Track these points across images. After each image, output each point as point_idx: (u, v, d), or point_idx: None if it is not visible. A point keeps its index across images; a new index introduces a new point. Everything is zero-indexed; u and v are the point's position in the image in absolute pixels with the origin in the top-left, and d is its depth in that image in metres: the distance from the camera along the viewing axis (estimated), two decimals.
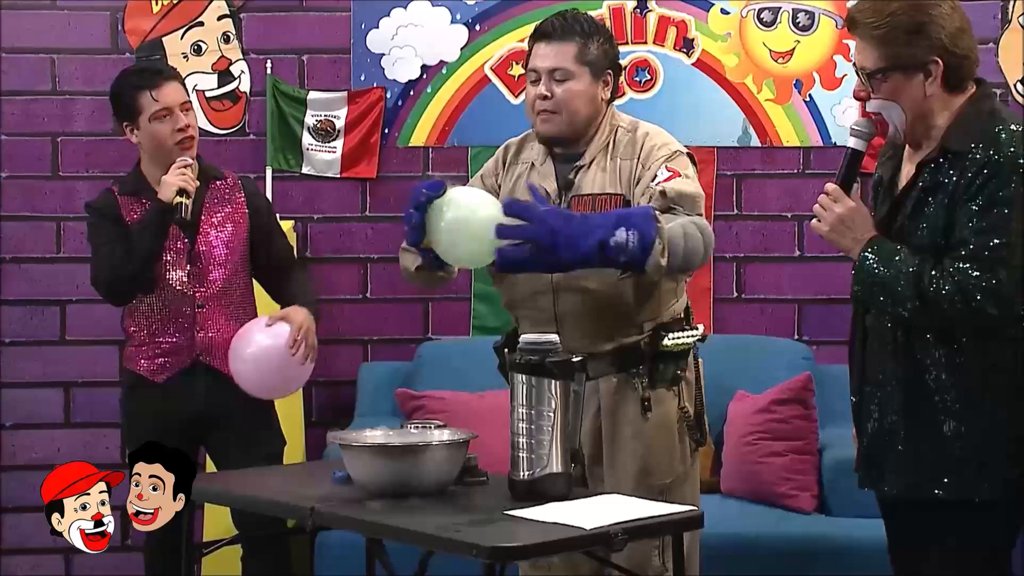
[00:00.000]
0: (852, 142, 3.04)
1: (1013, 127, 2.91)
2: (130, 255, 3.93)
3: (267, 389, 4.06)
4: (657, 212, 3.13)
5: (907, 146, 3.06)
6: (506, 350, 3.51)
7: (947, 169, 2.91)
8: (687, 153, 3.44)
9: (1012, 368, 2.92)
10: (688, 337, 3.43)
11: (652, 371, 3.40)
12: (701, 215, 3.29)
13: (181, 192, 3.91)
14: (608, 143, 3.44)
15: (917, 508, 2.98)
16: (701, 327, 3.48)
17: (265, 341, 3.98)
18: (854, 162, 3.03)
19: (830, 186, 3.01)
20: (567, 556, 3.28)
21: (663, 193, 3.26)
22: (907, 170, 3.04)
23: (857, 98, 3.05)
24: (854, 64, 3.03)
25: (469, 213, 3.07)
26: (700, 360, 3.56)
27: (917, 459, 2.95)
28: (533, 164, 3.51)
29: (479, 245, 3.07)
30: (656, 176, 3.31)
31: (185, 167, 3.95)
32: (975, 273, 2.83)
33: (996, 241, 2.83)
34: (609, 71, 3.46)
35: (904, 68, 2.93)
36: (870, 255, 2.94)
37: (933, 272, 2.86)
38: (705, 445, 3.55)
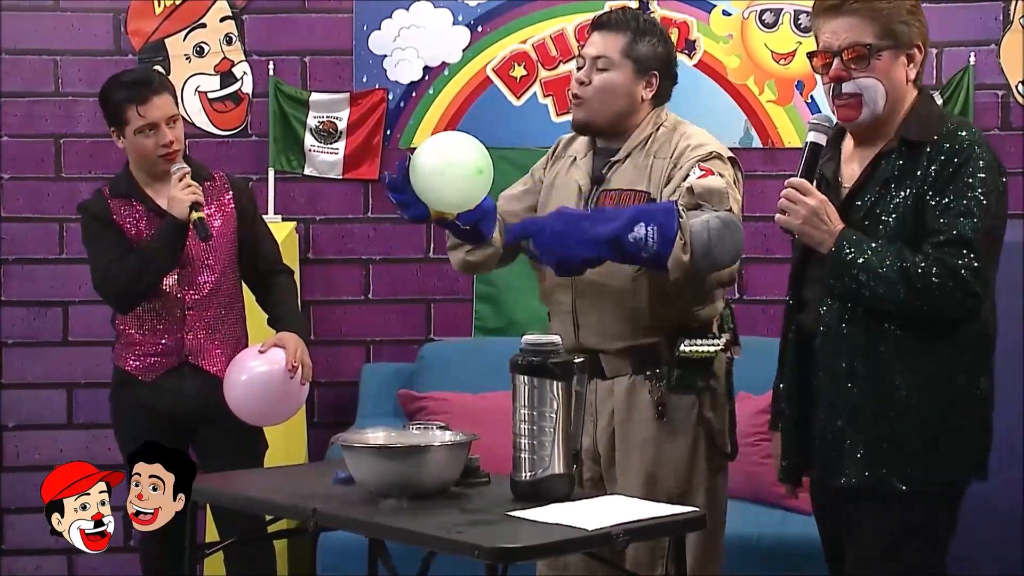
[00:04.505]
0: (811, 135, 3.06)
1: (965, 124, 3.04)
2: (144, 271, 3.95)
3: (267, 415, 4.05)
4: (681, 207, 3.11)
5: (850, 145, 3.10)
6: None
7: (909, 160, 2.97)
8: (730, 157, 3.40)
9: (967, 360, 2.98)
10: (709, 347, 3.36)
11: (670, 376, 3.35)
12: (730, 211, 3.21)
13: (195, 206, 3.91)
14: (647, 140, 3.41)
15: (869, 499, 3.01)
16: (725, 337, 3.40)
17: (261, 367, 3.97)
18: (814, 156, 3.05)
19: (796, 180, 3.02)
20: (583, 557, 3.27)
21: (690, 190, 3.21)
22: (851, 169, 3.08)
23: (834, 78, 3.04)
24: (828, 49, 3.03)
25: (441, 154, 3.17)
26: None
27: (877, 450, 2.98)
28: (575, 158, 3.50)
29: (467, 172, 3.18)
30: (688, 175, 3.26)
31: (185, 175, 3.96)
32: (961, 256, 2.88)
33: (976, 224, 2.89)
34: (655, 72, 3.42)
35: (897, 46, 3.00)
36: (847, 247, 2.96)
37: (917, 258, 2.90)
38: (733, 459, 3.49)
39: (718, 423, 3.43)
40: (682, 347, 3.33)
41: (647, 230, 3.02)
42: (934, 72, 5.36)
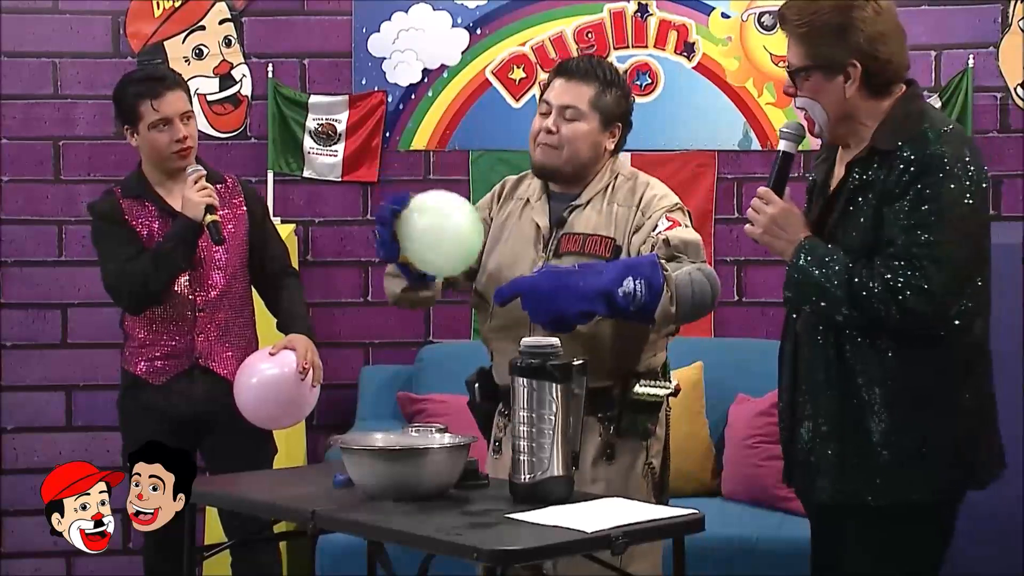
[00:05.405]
0: (783, 144, 3.05)
1: (941, 127, 2.91)
2: (157, 271, 3.94)
3: (277, 418, 4.04)
4: (662, 260, 3.14)
5: (840, 148, 3.06)
6: (476, 384, 3.50)
7: (876, 168, 2.91)
8: (685, 208, 3.45)
9: (942, 372, 2.90)
10: (660, 390, 3.38)
11: (620, 419, 3.36)
12: (705, 262, 3.29)
13: (209, 209, 3.91)
14: (607, 187, 3.43)
15: (848, 513, 2.98)
16: (675, 382, 3.43)
17: (271, 370, 3.95)
18: (785, 164, 3.04)
19: (762, 189, 3.01)
20: None
21: (667, 242, 3.26)
22: (838, 172, 3.04)
23: (785, 94, 3.06)
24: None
25: (441, 219, 3.15)
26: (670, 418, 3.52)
27: (848, 465, 2.94)
28: (528, 200, 3.50)
29: (455, 248, 3.18)
30: (657, 226, 3.31)
31: (200, 177, 3.96)
32: (904, 272, 2.81)
33: (924, 238, 2.81)
34: (618, 123, 3.44)
35: (824, 68, 2.94)
36: (803, 256, 2.93)
37: (864, 274, 2.85)
38: (666, 504, 3.51)
39: (660, 469, 3.45)
40: (636, 389, 3.36)
41: (635, 284, 3.04)
42: (933, 74, 5.37)
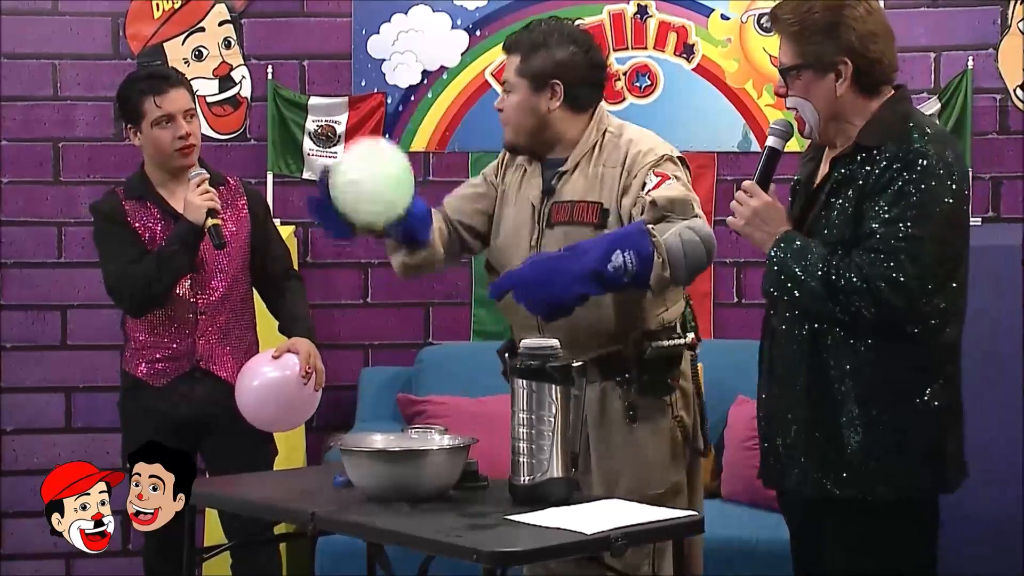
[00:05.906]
0: (771, 140, 3.08)
1: (926, 128, 2.93)
2: (159, 273, 3.94)
3: (279, 421, 4.05)
4: (650, 225, 3.12)
5: (827, 147, 3.08)
6: (507, 355, 3.51)
7: (859, 165, 2.93)
8: (677, 157, 3.38)
9: (915, 371, 2.91)
10: (673, 344, 3.37)
11: (639, 379, 3.35)
12: (697, 216, 3.21)
13: (211, 212, 3.91)
14: (594, 147, 3.40)
15: (819, 507, 2.99)
16: (691, 335, 3.41)
17: (273, 373, 3.96)
18: (771, 160, 3.06)
19: (747, 183, 3.04)
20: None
21: (653, 203, 3.20)
22: (823, 170, 3.07)
23: (777, 94, 3.09)
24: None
25: (359, 172, 3.22)
26: (700, 367, 3.51)
27: (820, 459, 2.95)
28: (526, 169, 3.51)
29: (380, 195, 3.23)
30: (645, 184, 3.27)
31: (203, 181, 3.96)
32: (881, 264, 2.83)
33: (903, 232, 2.83)
34: (556, 81, 3.38)
35: (815, 66, 2.97)
36: (781, 249, 2.95)
37: (840, 264, 2.87)
38: (707, 456, 3.51)
39: (690, 421, 3.44)
40: (649, 349, 3.34)
41: (624, 256, 3.03)
42: (932, 76, 5.37)
